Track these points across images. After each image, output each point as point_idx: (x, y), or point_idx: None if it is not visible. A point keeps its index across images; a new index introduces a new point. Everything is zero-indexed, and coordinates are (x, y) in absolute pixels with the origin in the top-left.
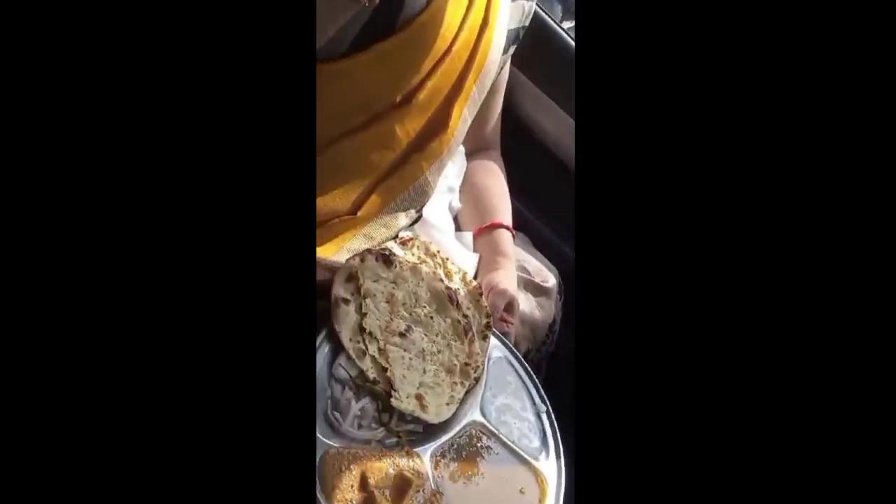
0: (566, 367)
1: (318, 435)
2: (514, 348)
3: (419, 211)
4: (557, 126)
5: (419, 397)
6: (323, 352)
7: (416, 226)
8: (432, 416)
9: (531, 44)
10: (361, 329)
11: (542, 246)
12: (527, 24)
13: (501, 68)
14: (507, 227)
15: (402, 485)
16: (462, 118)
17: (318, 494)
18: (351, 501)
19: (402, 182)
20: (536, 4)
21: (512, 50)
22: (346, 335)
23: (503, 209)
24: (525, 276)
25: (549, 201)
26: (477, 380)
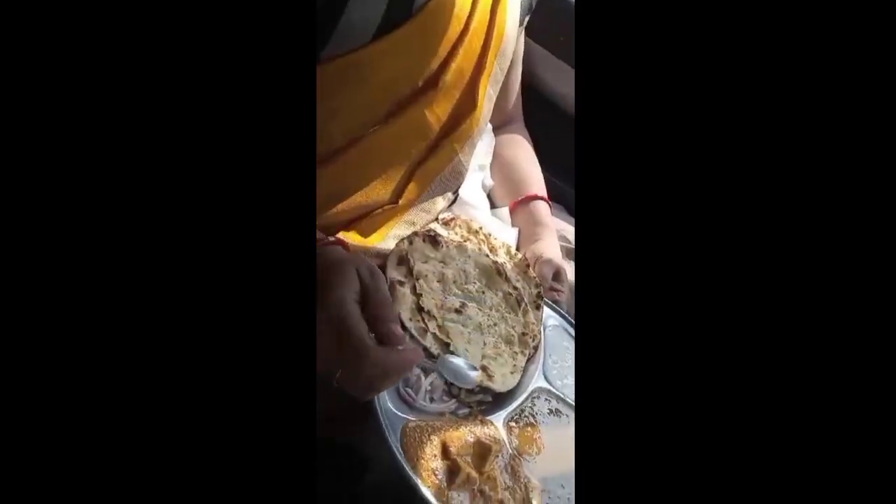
0: None
1: (394, 410)
2: (567, 315)
3: (455, 192)
4: None
5: (484, 368)
6: None
7: (453, 207)
8: (499, 385)
9: (543, 13)
10: (419, 308)
11: None
12: None
13: (517, 41)
14: (543, 198)
15: (482, 451)
16: (487, 95)
17: (404, 466)
18: (436, 470)
19: (437, 166)
20: None
21: (526, 21)
22: (405, 315)
23: (536, 180)
24: (567, 244)
25: None
26: (536, 348)
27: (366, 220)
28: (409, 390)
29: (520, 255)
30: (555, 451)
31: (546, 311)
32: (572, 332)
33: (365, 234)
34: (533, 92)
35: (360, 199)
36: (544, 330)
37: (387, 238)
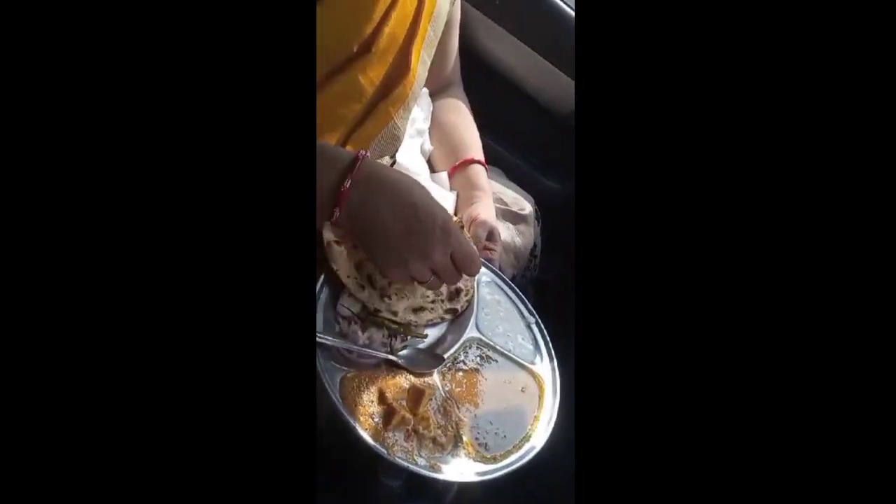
0: (550, 289)
1: (333, 363)
2: (500, 273)
3: (393, 157)
4: (520, 60)
5: (417, 315)
6: (324, 294)
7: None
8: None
9: None
10: (358, 266)
11: (515, 177)
12: None
13: (452, 5)
14: (480, 162)
15: (416, 395)
16: (421, 60)
17: (343, 412)
18: (373, 415)
19: (372, 130)
20: None
21: None
22: (343, 272)
23: (474, 144)
24: (502, 206)
25: (518, 133)
26: (468, 302)
27: None
28: (348, 344)
29: (456, 218)
30: (485, 391)
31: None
32: (504, 286)
33: None
34: (471, 56)
35: None
36: (478, 286)
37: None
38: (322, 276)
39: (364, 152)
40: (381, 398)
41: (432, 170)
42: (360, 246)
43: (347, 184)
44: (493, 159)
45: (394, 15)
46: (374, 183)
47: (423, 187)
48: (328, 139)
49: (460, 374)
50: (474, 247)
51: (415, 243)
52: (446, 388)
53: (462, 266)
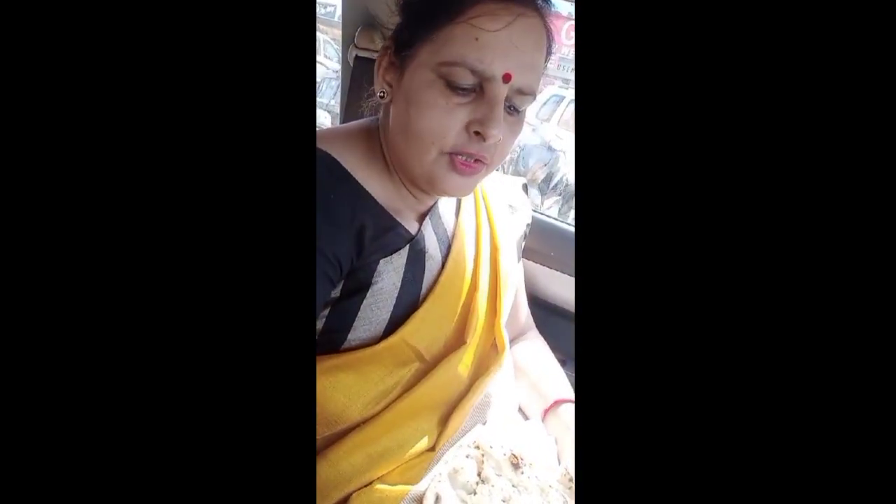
0: None
1: None
2: None
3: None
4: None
5: None
6: None
7: (485, 430)
8: None
9: (535, 237)
10: None
11: None
12: (529, 221)
13: (518, 272)
14: (569, 400)
15: None
16: (503, 330)
17: None
18: None
19: (468, 404)
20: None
21: (520, 255)
22: None
23: (559, 383)
24: None
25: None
26: None
27: (404, 466)
28: None
29: (561, 470)
30: None
31: None
32: None
33: (403, 482)
34: (538, 301)
35: (398, 454)
36: None
37: (422, 480)
38: None
39: None
40: None
41: (525, 417)
42: None
43: None
44: None
45: (473, 304)
46: None
47: None
48: (429, 425)
49: None
50: None
51: None
52: None
53: None
